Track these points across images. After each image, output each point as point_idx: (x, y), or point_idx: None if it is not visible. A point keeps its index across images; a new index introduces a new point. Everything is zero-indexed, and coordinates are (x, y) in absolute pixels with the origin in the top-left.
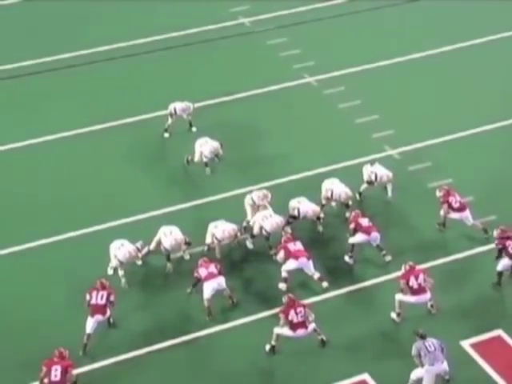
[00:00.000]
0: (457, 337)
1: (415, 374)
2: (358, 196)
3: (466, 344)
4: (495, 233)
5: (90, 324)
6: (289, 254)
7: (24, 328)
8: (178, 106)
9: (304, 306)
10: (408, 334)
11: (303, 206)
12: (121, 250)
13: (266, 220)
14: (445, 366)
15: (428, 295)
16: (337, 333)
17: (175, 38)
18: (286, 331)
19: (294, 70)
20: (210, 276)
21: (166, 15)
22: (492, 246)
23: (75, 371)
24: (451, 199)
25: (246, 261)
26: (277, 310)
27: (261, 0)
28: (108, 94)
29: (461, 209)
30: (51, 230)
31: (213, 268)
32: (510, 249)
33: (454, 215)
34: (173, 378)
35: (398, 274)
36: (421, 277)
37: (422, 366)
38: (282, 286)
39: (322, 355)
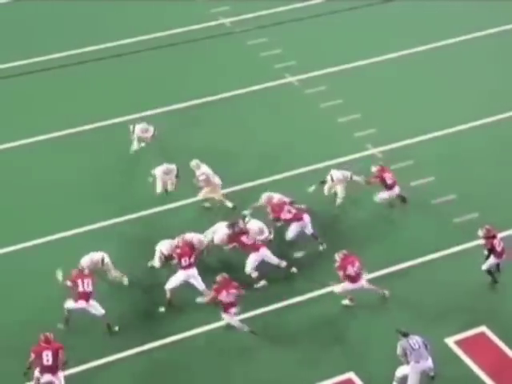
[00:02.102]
0: (441, 334)
1: (400, 372)
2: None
3: (450, 341)
4: (480, 232)
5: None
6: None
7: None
8: (138, 126)
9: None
10: (392, 332)
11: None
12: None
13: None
14: (429, 362)
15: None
16: (322, 332)
17: (159, 38)
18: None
19: (275, 69)
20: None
21: (148, 16)
22: (475, 243)
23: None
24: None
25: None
26: None
27: (240, 1)
28: (94, 94)
29: (392, 186)
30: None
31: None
32: (497, 247)
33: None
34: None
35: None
36: (357, 264)
37: (408, 363)
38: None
39: (307, 353)
